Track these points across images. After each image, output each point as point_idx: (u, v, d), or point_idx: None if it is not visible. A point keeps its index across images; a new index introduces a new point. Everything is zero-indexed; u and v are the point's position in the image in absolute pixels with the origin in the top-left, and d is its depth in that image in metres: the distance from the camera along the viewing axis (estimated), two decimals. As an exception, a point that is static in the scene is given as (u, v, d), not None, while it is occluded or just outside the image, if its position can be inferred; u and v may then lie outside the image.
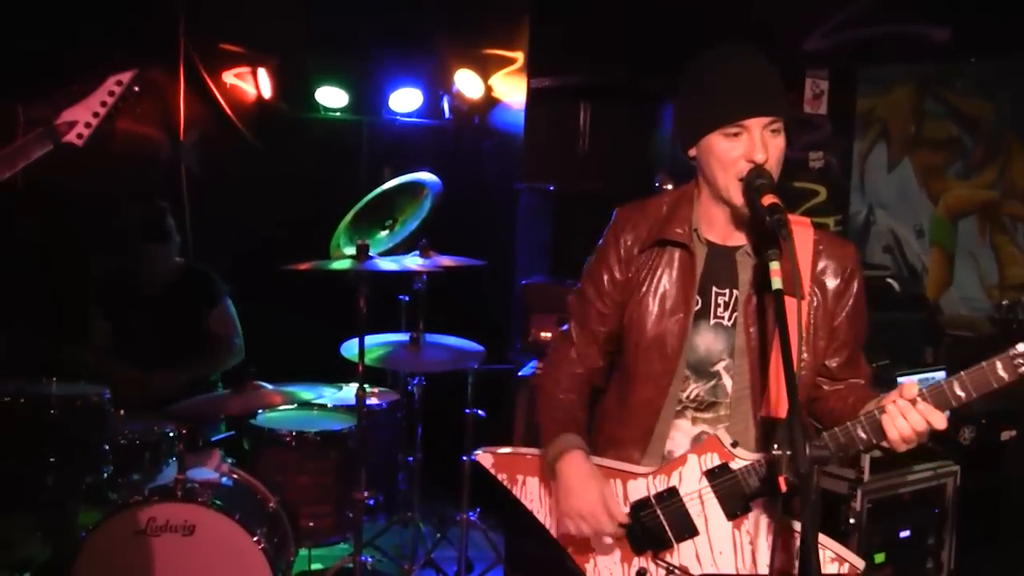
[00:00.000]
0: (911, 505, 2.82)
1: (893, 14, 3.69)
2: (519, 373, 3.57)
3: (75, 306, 3.54)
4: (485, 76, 4.47)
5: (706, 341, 1.72)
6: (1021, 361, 1.47)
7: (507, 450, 1.89)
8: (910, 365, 2.77)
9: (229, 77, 4.28)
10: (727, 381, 1.72)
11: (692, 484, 1.71)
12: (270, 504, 2.87)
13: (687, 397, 1.75)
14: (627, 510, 1.73)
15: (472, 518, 3.41)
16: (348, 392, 3.49)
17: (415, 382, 3.57)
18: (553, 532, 1.82)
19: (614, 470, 1.76)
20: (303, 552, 3.15)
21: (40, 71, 3.65)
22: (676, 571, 1.71)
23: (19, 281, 3.59)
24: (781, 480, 1.42)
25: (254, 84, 4.34)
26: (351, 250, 3.35)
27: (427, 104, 4.51)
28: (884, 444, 1.57)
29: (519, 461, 1.87)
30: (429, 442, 3.56)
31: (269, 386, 3.01)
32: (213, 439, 3.31)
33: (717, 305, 1.72)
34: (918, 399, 1.52)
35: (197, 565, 2.62)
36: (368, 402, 3.24)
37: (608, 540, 1.72)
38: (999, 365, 1.48)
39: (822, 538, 1.62)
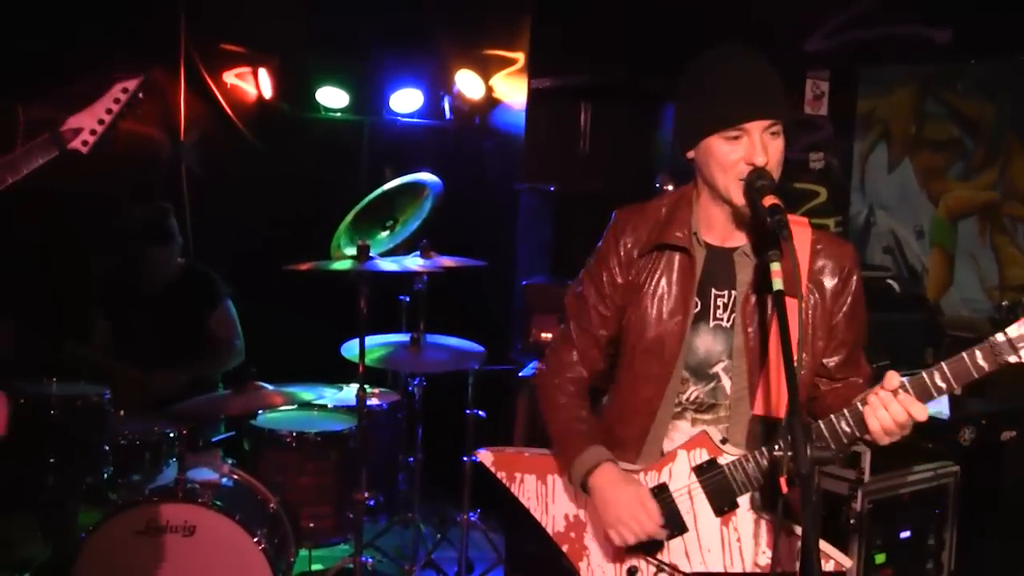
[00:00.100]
0: (911, 506, 2.82)
1: (894, 15, 3.69)
2: (520, 374, 3.57)
3: (76, 306, 3.55)
4: (486, 76, 4.47)
5: (705, 343, 1.72)
6: (999, 350, 1.48)
7: (508, 449, 1.91)
8: (910, 366, 2.76)
9: (230, 77, 4.28)
10: (726, 382, 1.72)
11: (681, 480, 1.72)
12: (270, 505, 2.87)
13: (687, 399, 1.75)
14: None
15: (473, 519, 3.41)
16: (349, 393, 3.49)
17: (416, 383, 3.57)
18: (549, 531, 1.83)
19: None
20: (303, 553, 3.15)
21: (40, 71, 3.65)
22: (666, 569, 1.72)
23: (20, 281, 3.59)
24: (782, 480, 1.42)
25: (255, 84, 4.34)
26: (352, 250, 3.35)
27: (428, 104, 4.51)
28: (867, 437, 1.57)
29: (518, 459, 1.88)
30: (430, 443, 3.56)
31: (269, 386, 3.01)
32: (213, 440, 3.31)
33: (716, 307, 1.72)
34: (899, 390, 1.52)
35: (197, 566, 2.62)
36: (369, 403, 3.24)
37: (659, 537, 1.70)
38: (979, 355, 1.49)
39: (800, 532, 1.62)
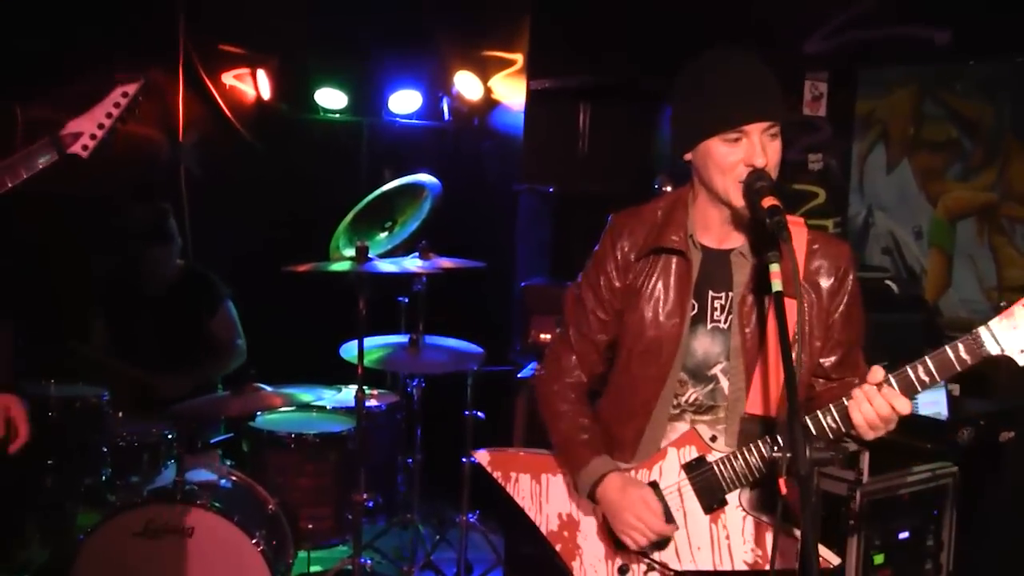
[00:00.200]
0: (910, 506, 2.82)
1: (893, 16, 3.69)
2: (519, 375, 3.57)
3: (76, 307, 3.54)
4: (485, 77, 4.47)
5: (703, 345, 1.73)
6: (982, 343, 1.49)
7: (505, 450, 1.92)
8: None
9: (228, 78, 4.28)
10: (724, 384, 1.73)
11: (671, 477, 1.73)
12: (269, 506, 2.86)
13: (686, 401, 1.75)
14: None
15: (472, 520, 3.41)
16: (347, 394, 3.49)
17: (415, 384, 3.57)
18: (543, 530, 1.85)
19: None
20: (302, 554, 3.15)
21: (38, 71, 3.65)
22: (657, 567, 1.73)
23: (19, 282, 3.58)
24: (781, 482, 1.43)
25: (253, 85, 4.34)
26: (350, 252, 3.35)
27: (427, 105, 4.51)
28: (852, 432, 1.57)
29: (514, 459, 1.90)
30: (428, 444, 3.56)
31: (268, 388, 3.01)
32: (212, 441, 3.31)
33: (713, 308, 1.72)
34: (883, 384, 1.52)
35: (196, 567, 2.62)
36: (367, 404, 3.24)
37: (669, 534, 1.71)
38: (961, 348, 1.50)
39: (796, 532, 1.63)
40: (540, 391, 1.89)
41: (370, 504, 3.20)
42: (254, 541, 2.64)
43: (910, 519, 2.81)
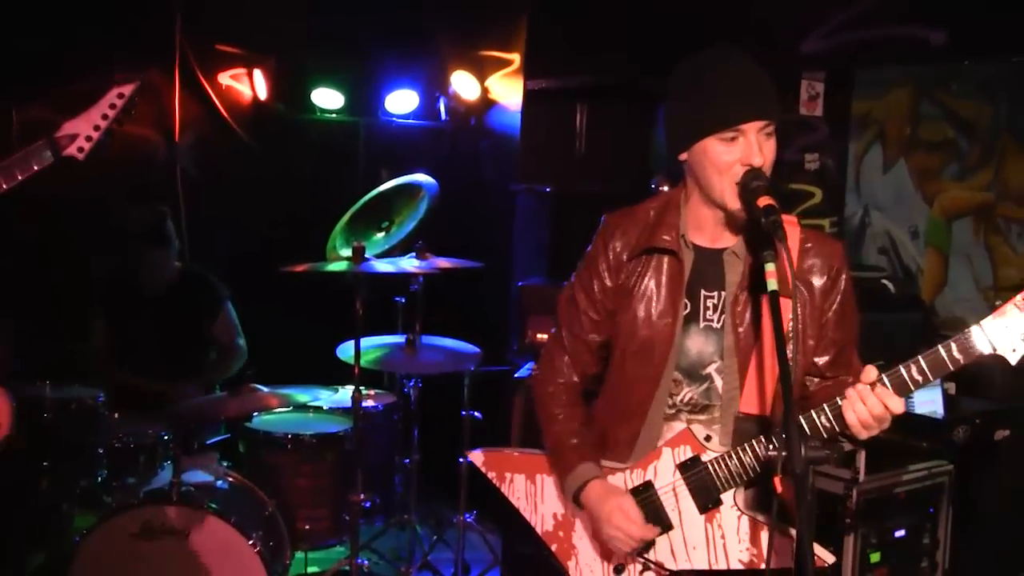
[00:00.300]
0: (906, 505, 2.82)
1: (890, 17, 3.69)
2: (516, 375, 3.57)
3: (76, 308, 3.53)
4: (481, 77, 4.47)
5: (697, 344, 1.73)
6: (974, 342, 1.50)
7: (500, 450, 1.92)
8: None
9: (225, 78, 4.27)
10: (719, 383, 1.73)
11: (666, 477, 1.73)
12: (266, 507, 2.86)
13: (681, 400, 1.75)
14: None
15: (469, 520, 3.41)
16: (344, 394, 3.49)
17: (411, 384, 3.57)
18: (538, 530, 1.85)
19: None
20: (299, 555, 3.15)
21: (34, 71, 3.64)
22: (652, 566, 1.73)
23: (18, 283, 3.58)
24: (776, 480, 1.43)
25: (250, 85, 4.33)
26: (347, 252, 3.34)
27: (423, 105, 4.51)
28: (847, 431, 1.58)
29: (509, 459, 1.90)
30: (426, 444, 3.55)
31: (265, 388, 3.01)
32: (208, 442, 3.30)
33: (706, 308, 1.72)
34: (876, 384, 1.53)
35: (193, 568, 2.61)
36: (364, 404, 3.24)
37: (651, 537, 1.72)
38: (954, 347, 1.51)
39: (791, 531, 1.63)
40: (535, 392, 1.90)
41: (367, 504, 3.20)
42: (251, 542, 2.64)
43: (906, 517, 2.82)
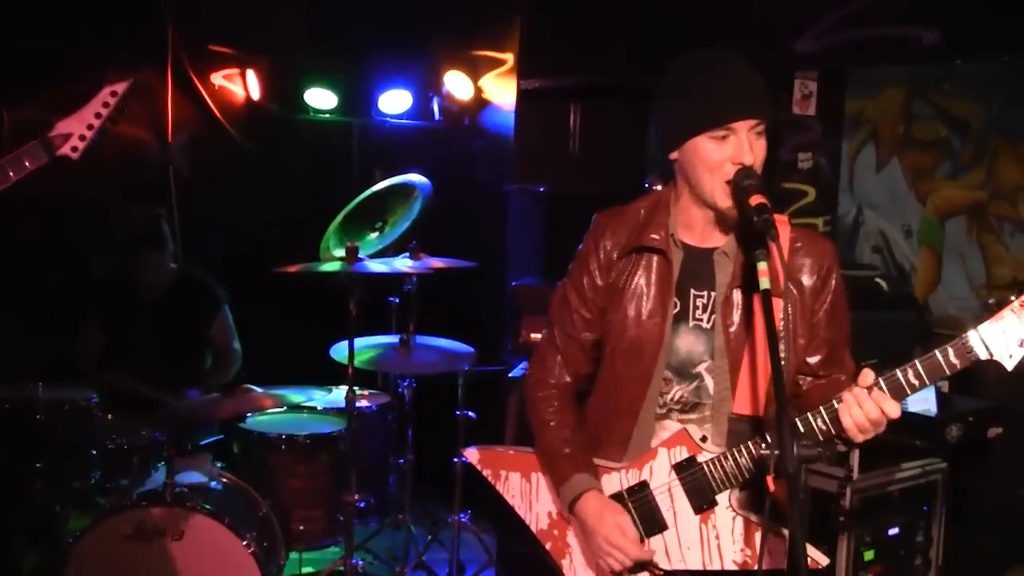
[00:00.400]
0: (900, 503, 2.83)
1: (883, 16, 3.70)
2: (510, 374, 3.57)
3: (73, 309, 3.52)
4: (475, 77, 4.47)
5: (687, 343, 1.73)
6: (971, 347, 1.50)
7: (494, 448, 1.92)
8: (899, 364, 2.79)
9: (218, 78, 4.26)
10: (709, 382, 1.73)
11: (662, 477, 1.73)
12: (260, 508, 2.86)
13: (671, 399, 1.75)
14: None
15: (464, 520, 3.41)
16: (338, 395, 3.48)
17: (406, 384, 3.56)
18: (532, 528, 1.85)
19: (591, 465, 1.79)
20: (294, 555, 3.14)
21: (26, 72, 3.63)
22: (647, 566, 1.72)
23: (16, 284, 3.56)
24: (769, 479, 1.43)
25: (243, 85, 4.32)
26: (341, 252, 3.34)
27: (417, 105, 4.50)
28: (843, 435, 1.58)
29: (504, 457, 1.90)
30: (420, 444, 3.55)
31: (259, 389, 3.00)
32: (202, 443, 3.30)
33: (696, 307, 1.73)
34: (873, 387, 1.53)
35: (187, 570, 2.61)
36: (358, 404, 3.24)
37: (645, 559, 1.72)
38: (951, 352, 1.52)
39: (786, 532, 1.63)
40: (527, 395, 1.90)
41: (362, 505, 3.19)
42: (245, 543, 2.63)
43: (900, 515, 2.83)
